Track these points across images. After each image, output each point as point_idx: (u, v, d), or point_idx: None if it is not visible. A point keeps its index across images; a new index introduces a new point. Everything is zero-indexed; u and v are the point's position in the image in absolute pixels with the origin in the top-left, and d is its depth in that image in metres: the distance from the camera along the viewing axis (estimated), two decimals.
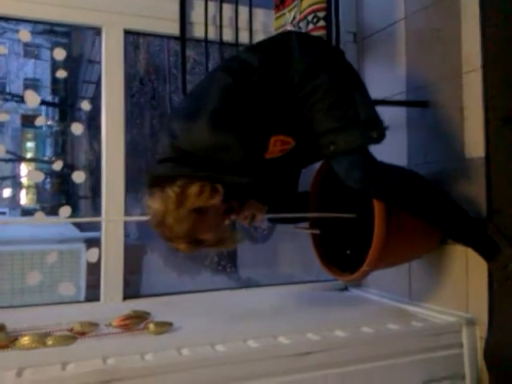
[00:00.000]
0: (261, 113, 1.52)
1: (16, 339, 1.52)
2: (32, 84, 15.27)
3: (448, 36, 1.95)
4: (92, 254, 1.98)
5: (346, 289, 2.40)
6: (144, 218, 1.57)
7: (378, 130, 1.59)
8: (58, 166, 2.23)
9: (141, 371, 1.37)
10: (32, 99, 2.04)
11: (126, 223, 2.13)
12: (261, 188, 1.68)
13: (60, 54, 2.14)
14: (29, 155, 15.95)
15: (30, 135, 16.11)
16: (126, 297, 2.07)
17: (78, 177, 2.09)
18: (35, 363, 1.37)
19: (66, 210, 1.98)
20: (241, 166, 1.46)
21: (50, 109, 14.75)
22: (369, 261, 1.70)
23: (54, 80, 14.39)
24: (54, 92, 14.41)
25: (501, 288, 1.68)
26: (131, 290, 2.25)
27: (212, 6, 2.25)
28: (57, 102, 13.85)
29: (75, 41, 11.23)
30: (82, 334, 1.61)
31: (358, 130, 1.57)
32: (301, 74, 1.55)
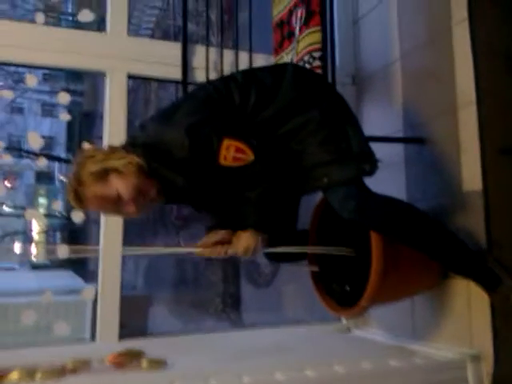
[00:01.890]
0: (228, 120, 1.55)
1: (5, 375, 1.49)
2: (48, 141, 15.64)
3: (442, 73, 1.98)
4: (88, 293, 1.96)
5: (348, 330, 2.33)
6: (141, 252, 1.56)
7: (370, 163, 1.60)
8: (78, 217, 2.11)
9: None
10: (34, 140, 2.09)
11: (131, 274, 2.12)
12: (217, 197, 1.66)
13: (64, 97, 2.22)
14: (41, 211, 16.14)
15: (42, 191, 16.37)
16: (122, 336, 2.03)
17: (77, 217, 2.10)
18: None
19: (64, 249, 1.98)
20: (187, 166, 1.48)
21: (64, 166, 15.02)
22: (367, 296, 1.66)
23: (69, 137, 14.74)
24: (68, 149, 14.74)
25: (504, 321, 1.63)
26: None
27: (213, 52, 2.31)
28: (69, 159, 14.14)
29: (89, 98, 11.58)
30: (74, 370, 1.57)
31: (350, 163, 1.58)
32: (280, 108, 1.58)
